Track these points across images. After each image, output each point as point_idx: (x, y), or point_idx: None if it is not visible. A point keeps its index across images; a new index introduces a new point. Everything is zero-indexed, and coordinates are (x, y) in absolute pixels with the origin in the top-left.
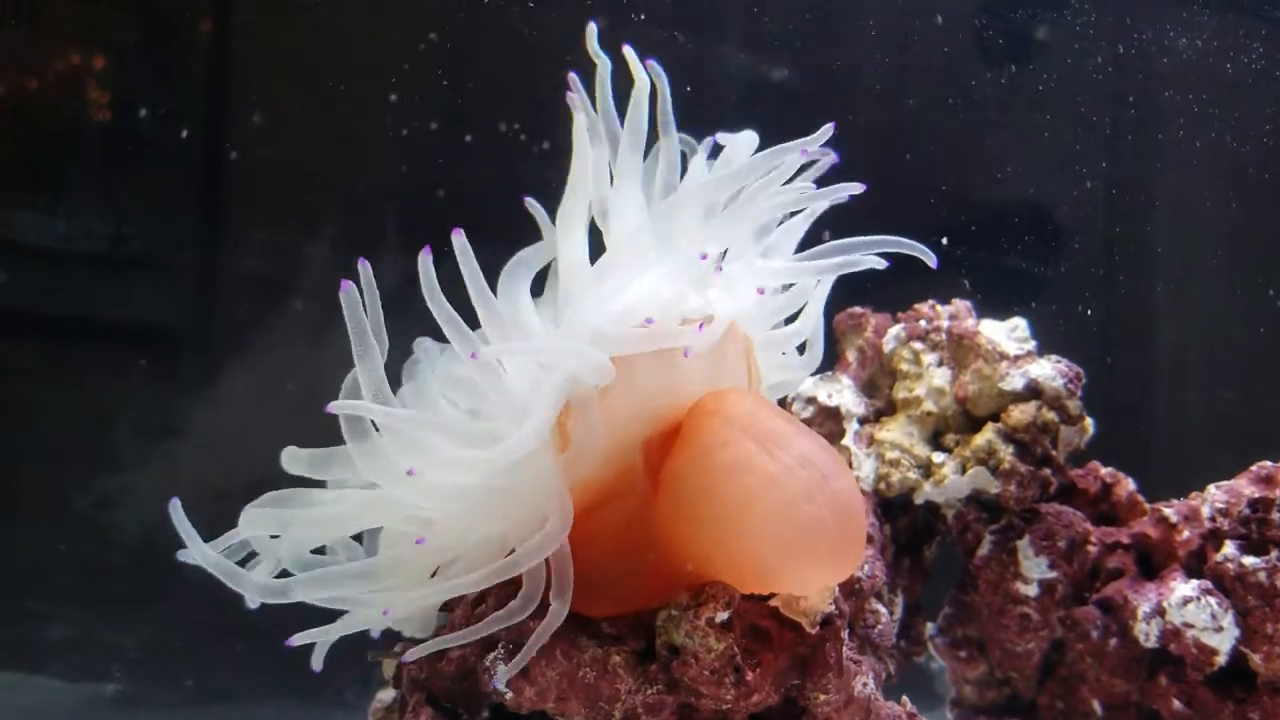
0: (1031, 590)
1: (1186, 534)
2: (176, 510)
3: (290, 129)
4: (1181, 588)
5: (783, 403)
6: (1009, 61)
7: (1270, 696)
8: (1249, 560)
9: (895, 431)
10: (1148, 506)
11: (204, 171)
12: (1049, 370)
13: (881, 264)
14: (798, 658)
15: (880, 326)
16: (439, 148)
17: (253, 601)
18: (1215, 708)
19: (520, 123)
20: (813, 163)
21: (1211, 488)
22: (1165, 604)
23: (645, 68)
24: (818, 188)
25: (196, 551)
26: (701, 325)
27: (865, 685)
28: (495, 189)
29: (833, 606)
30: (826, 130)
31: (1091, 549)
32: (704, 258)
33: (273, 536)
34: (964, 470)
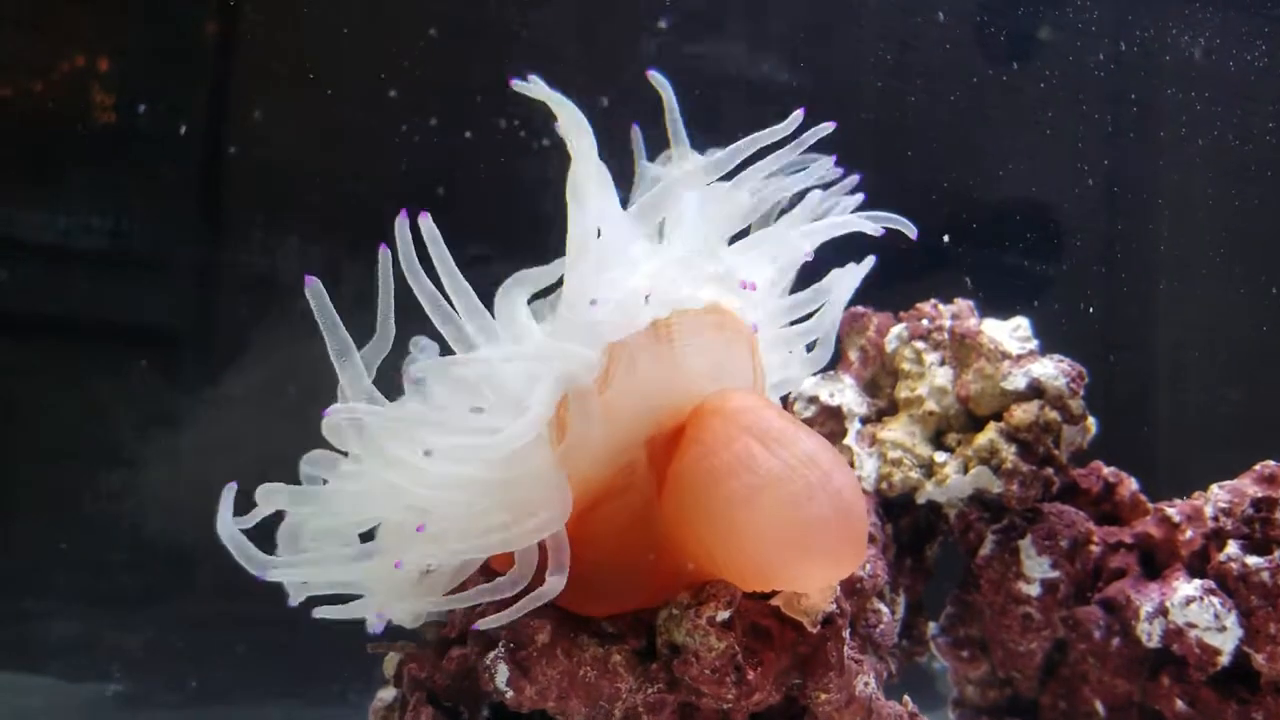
0: (1034, 590)
1: (1189, 534)
2: (229, 493)
3: (291, 127)
4: (1184, 587)
5: (785, 402)
6: (1011, 59)
7: (1273, 697)
8: (1252, 560)
9: (897, 431)
10: (1150, 506)
11: (204, 170)
12: (1051, 369)
13: (877, 230)
14: (799, 657)
15: (882, 326)
16: (439, 145)
17: (296, 597)
18: (1218, 708)
19: (520, 120)
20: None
21: (1214, 487)
22: (1168, 604)
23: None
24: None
25: (225, 532)
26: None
27: (867, 685)
28: (495, 186)
29: (834, 606)
30: (826, 127)
31: (1094, 549)
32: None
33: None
34: (966, 470)
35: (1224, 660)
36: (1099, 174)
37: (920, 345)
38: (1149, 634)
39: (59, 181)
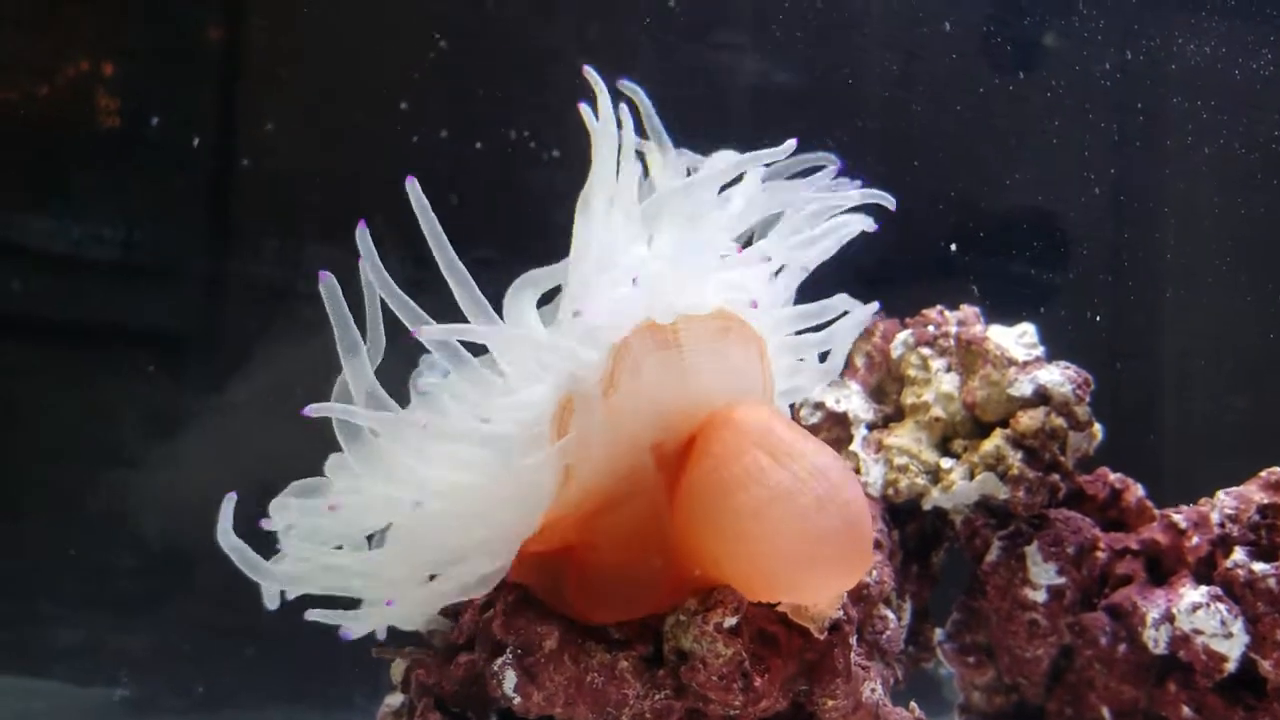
0: (1040, 596)
1: (1196, 540)
2: (229, 503)
3: (300, 136)
4: (1191, 594)
5: (792, 408)
6: (1017, 69)
7: None
8: (1259, 566)
9: (903, 437)
10: (1157, 512)
11: (214, 178)
12: (1057, 376)
13: (871, 226)
14: (806, 663)
15: (888, 332)
16: (449, 155)
17: (271, 602)
18: (1225, 714)
19: (530, 130)
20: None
21: (1221, 494)
22: (1174, 610)
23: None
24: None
25: (226, 541)
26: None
27: (873, 691)
28: (506, 196)
29: (841, 612)
30: (828, 156)
31: (1100, 555)
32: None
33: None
34: (972, 476)
35: (1230, 667)
36: (1105, 182)
37: (926, 352)
38: (1155, 640)
39: (62, 185)
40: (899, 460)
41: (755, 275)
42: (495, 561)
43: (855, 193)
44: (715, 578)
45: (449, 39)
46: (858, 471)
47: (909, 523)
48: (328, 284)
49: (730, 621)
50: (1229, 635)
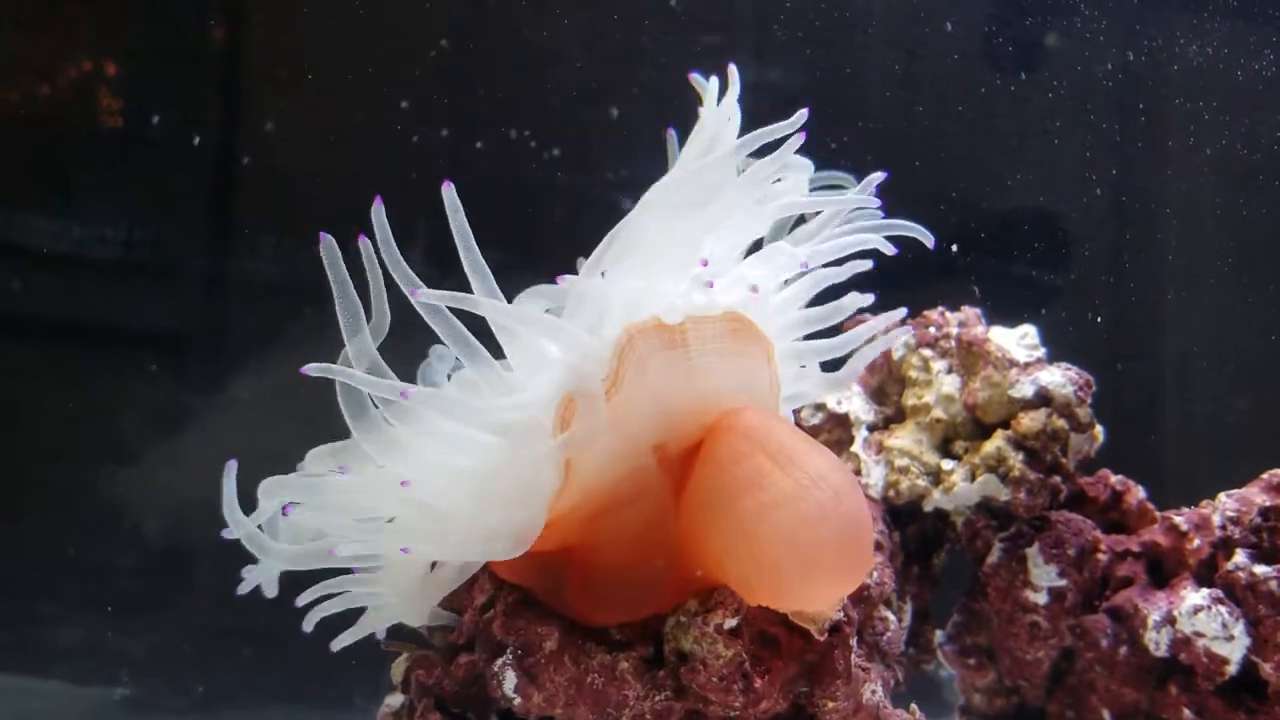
0: (1041, 598)
1: (1197, 542)
2: (230, 473)
3: (300, 136)
4: (1192, 596)
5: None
6: (1019, 69)
7: None
8: (1260, 569)
9: (904, 438)
10: (1158, 514)
11: (215, 177)
12: (1059, 377)
13: (890, 249)
14: (806, 665)
15: None
16: (450, 154)
17: (270, 588)
18: (1226, 717)
19: (530, 129)
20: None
21: (1222, 496)
22: (1176, 613)
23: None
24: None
25: (233, 520)
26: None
27: (874, 692)
28: (506, 195)
29: (841, 614)
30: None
31: (1101, 557)
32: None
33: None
34: (973, 477)
35: (1231, 669)
36: (1107, 183)
37: (928, 353)
38: (1156, 643)
39: (62, 184)
40: (900, 462)
41: (766, 278)
42: (500, 545)
43: (896, 222)
44: (718, 578)
45: (449, 39)
46: (859, 473)
47: (910, 524)
48: (327, 246)
49: (731, 623)
50: (1230, 638)
